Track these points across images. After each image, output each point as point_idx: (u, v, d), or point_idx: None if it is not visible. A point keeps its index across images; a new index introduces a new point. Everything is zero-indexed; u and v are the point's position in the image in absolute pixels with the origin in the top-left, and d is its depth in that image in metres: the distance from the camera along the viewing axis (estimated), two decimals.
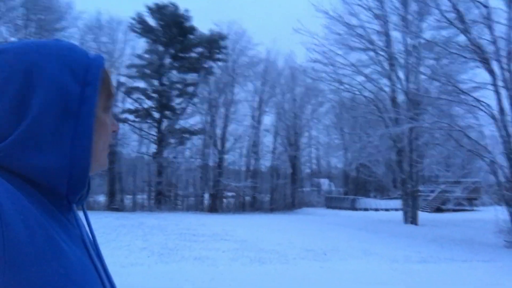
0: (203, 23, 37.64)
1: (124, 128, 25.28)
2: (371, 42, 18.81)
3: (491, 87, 13.66)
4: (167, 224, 16.52)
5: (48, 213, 0.54)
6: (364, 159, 24.70)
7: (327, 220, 20.79)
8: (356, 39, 19.03)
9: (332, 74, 19.94)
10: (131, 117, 27.30)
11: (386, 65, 19.13)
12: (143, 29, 26.77)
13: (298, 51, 45.97)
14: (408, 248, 11.61)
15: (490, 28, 13.30)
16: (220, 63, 28.25)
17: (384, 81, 19.51)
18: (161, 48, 27.16)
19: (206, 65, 28.05)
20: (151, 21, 26.80)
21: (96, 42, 25.10)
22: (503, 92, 13.30)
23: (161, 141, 27.17)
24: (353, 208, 29.61)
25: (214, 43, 27.66)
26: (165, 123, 28.03)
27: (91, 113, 0.60)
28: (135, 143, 28.32)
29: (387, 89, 19.23)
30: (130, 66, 26.61)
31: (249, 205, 29.22)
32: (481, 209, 28.69)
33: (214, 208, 26.57)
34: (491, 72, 13.46)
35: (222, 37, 27.73)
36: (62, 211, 0.59)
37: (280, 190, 30.95)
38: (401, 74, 18.82)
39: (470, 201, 29.51)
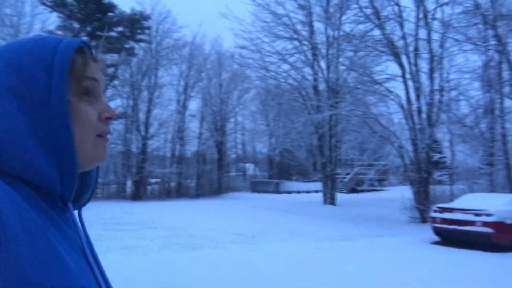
0: (124, 0, 35.37)
1: None
2: (296, 31, 19.45)
3: (400, 79, 15.09)
4: (87, 214, 15.59)
5: (44, 214, 0.54)
6: (288, 145, 25.67)
7: (253, 204, 21.36)
8: (282, 28, 19.55)
9: (259, 61, 20.29)
10: None
11: (309, 54, 19.97)
12: (55, 2, 24.33)
13: (225, 36, 45.63)
14: (329, 227, 12.50)
15: (401, 25, 14.61)
16: (143, 44, 26.95)
17: (308, 70, 20.39)
18: (76, 25, 25.00)
19: (127, 46, 26.56)
20: None
21: None
22: (410, 84, 14.80)
23: None
24: (277, 191, 30.77)
25: (136, 23, 26.21)
26: None
27: (62, 101, 0.56)
28: None
29: (310, 77, 20.13)
30: None
31: (174, 191, 28.76)
32: (389, 189, 31.79)
33: (138, 195, 25.70)
34: (400, 65, 14.85)
35: (145, 17, 26.40)
36: (57, 212, 0.58)
37: (206, 176, 30.93)
38: (322, 64, 19.84)
39: (380, 182, 32.51)
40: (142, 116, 27.09)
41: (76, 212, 0.67)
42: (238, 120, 36.32)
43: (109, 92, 27.02)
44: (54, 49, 0.59)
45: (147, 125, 27.11)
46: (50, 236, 0.52)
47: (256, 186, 33.20)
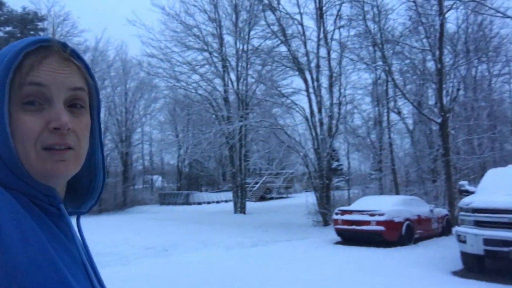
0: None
1: None
2: (206, 43, 19.66)
3: (304, 93, 16.24)
4: None
5: (41, 221, 0.54)
6: (198, 155, 25.52)
7: (162, 216, 20.73)
8: (192, 39, 19.58)
9: (168, 70, 19.97)
10: None
11: (219, 66, 20.32)
12: None
13: (132, 43, 43.95)
14: (241, 235, 12.76)
15: (304, 43, 15.79)
16: None
17: (218, 81, 20.71)
18: None
19: None
20: None
21: None
22: (313, 98, 16.02)
23: None
24: (187, 203, 30.27)
25: (28, 23, 23.83)
26: None
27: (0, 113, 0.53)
28: None
29: (220, 88, 20.46)
30: None
31: None
32: (295, 196, 33.54)
33: None
34: (304, 80, 16.00)
35: (39, 17, 24.16)
36: (52, 218, 0.58)
37: (110, 189, 29.04)
38: (232, 76, 20.35)
39: (286, 189, 34.16)
40: None
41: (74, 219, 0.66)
42: (145, 131, 35.03)
43: None
44: (5, 55, 0.55)
45: None
46: (47, 244, 0.51)
47: (165, 199, 32.22)
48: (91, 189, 0.68)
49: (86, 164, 0.64)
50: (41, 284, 0.48)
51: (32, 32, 24.16)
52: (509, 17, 12.78)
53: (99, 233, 13.83)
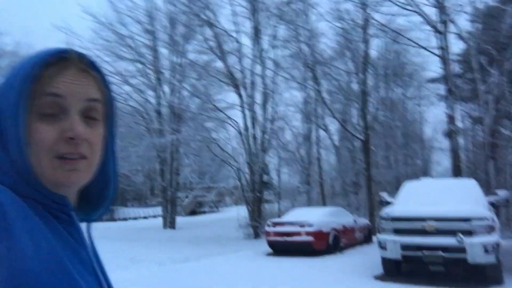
0: None
1: None
2: (140, 54, 19.17)
3: (239, 108, 16.56)
4: None
5: (52, 227, 0.56)
6: (126, 169, 24.45)
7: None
8: (125, 49, 18.95)
9: None
10: None
11: (153, 78, 19.89)
12: None
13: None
14: (171, 250, 12.42)
15: (240, 59, 16.21)
16: None
17: (150, 93, 20.23)
18: None
19: None
20: None
21: None
22: (247, 113, 16.40)
23: None
24: (112, 219, 28.69)
25: None
26: None
27: (15, 122, 0.54)
28: None
29: (153, 101, 20.00)
30: None
31: None
32: (225, 210, 33.50)
33: None
34: (239, 95, 16.36)
35: None
36: (63, 225, 0.59)
37: None
38: (166, 88, 20.01)
39: (216, 203, 34.03)
40: None
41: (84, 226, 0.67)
42: None
43: None
44: (25, 65, 0.57)
45: None
46: (58, 250, 0.53)
47: None
48: (103, 198, 0.69)
49: (99, 173, 0.65)
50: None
51: None
52: (421, 47, 14.47)
53: None
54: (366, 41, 14.84)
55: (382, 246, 7.15)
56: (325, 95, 17.51)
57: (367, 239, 12.53)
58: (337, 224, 10.92)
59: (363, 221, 12.98)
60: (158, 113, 19.79)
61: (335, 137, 21.11)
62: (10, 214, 0.49)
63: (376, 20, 14.96)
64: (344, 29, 15.55)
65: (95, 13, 18.48)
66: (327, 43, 17.37)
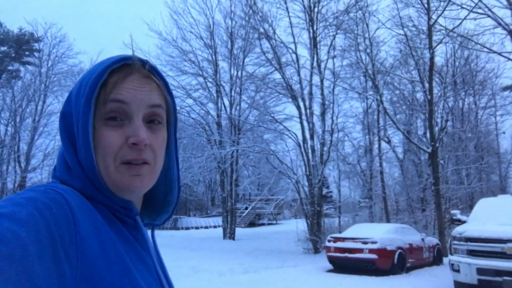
0: (13, 19, 32.24)
1: None
2: (201, 68, 19.98)
3: (297, 120, 16.47)
4: None
5: (118, 230, 0.57)
6: (188, 179, 25.31)
7: None
8: (187, 64, 19.93)
9: None
10: None
11: (213, 91, 20.58)
12: None
13: None
14: (231, 261, 12.56)
15: (298, 71, 16.17)
16: (30, 67, 24.57)
17: (211, 105, 20.93)
18: None
19: (11, 68, 23.92)
20: None
21: None
22: (305, 125, 16.25)
23: None
24: (175, 227, 29.83)
25: (24, 44, 23.94)
26: None
27: (84, 127, 0.57)
28: None
29: (213, 113, 20.65)
30: None
31: None
32: (284, 222, 33.29)
33: None
34: (297, 107, 16.28)
35: (35, 38, 24.32)
36: (129, 229, 0.60)
37: None
38: (226, 101, 20.59)
39: (275, 215, 33.93)
40: (23, 146, 24.13)
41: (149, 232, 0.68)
42: None
43: None
44: (93, 73, 0.58)
45: (28, 156, 24.16)
46: (123, 253, 0.53)
47: None
48: (166, 203, 0.70)
49: (162, 179, 0.67)
50: None
51: (27, 53, 24.28)
52: (494, 52, 13.36)
53: None
54: (431, 48, 14.03)
55: (455, 269, 6.57)
56: (387, 105, 16.83)
57: (436, 260, 11.64)
58: (403, 242, 10.29)
59: (432, 240, 12.09)
60: (219, 125, 20.34)
61: (399, 150, 20.13)
62: (78, 216, 0.49)
63: (442, 25, 14.14)
64: (406, 36, 14.87)
65: (160, 31, 19.68)
66: (388, 51, 16.76)
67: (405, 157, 19.83)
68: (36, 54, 24.44)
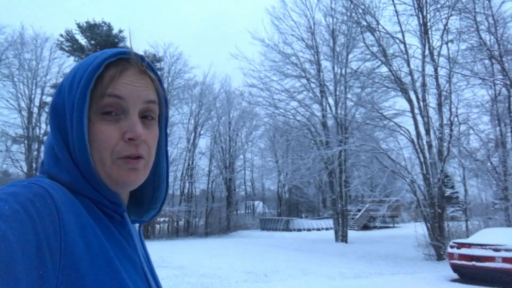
0: (137, 44, 37.03)
1: None
2: (303, 70, 19.97)
3: (409, 114, 15.18)
4: None
5: (103, 225, 0.56)
6: (297, 181, 25.48)
7: (263, 242, 20.96)
8: (290, 67, 20.14)
9: (268, 99, 20.75)
10: None
11: (317, 91, 20.36)
12: (72, 47, 25.49)
13: (234, 75, 47.24)
14: (342, 265, 12.16)
15: (407, 62, 14.92)
16: None
17: (316, 106, 20.72)
18: None
19: None
20: (81, 40, 25.68)
21: (18, 59, 23.36)
22: (419, 119, 14.86)
23: None
24: (287, 229, 30.23)
25: None
26: None
27: (79, 121, 0.56)
28: None
29: (318, 114, 20.40)
30: (55, 86, 25.05)
31: (183, 230, 28.44)
32: (401, 226, 31.04)
33: (146, 234, 25.44)
34: (409, 100, 15.00)
35: (157, 59, 27.42)
36: (115, 225, 0.59)
37: (215, 214, 30.63)
38: (331, 100, 20.17)
39: (392, 218, 31.84)
40: None
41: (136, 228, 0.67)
42: (247, 157, 36.52)
43: None
44: (89, 65, 0.57)
45: None
46: (109, 249, 0.53)
47: (265, 224, 32.69)
48: (154, 199, 0.69)
49: (150, 174, 0.65)
50: (100, 287, 0.49)
51: None
52: None
53: (206, 255, 14.55)
54: None
55: None
56: None
57: None
58: None
59: None
60: (324, 125, 20.04)
61: None
62: (63, 211, 0.48)
63: None
64: None
65: (263, 38, 20.30)
66: None
67: None
68: (158, 72, 27.54)
